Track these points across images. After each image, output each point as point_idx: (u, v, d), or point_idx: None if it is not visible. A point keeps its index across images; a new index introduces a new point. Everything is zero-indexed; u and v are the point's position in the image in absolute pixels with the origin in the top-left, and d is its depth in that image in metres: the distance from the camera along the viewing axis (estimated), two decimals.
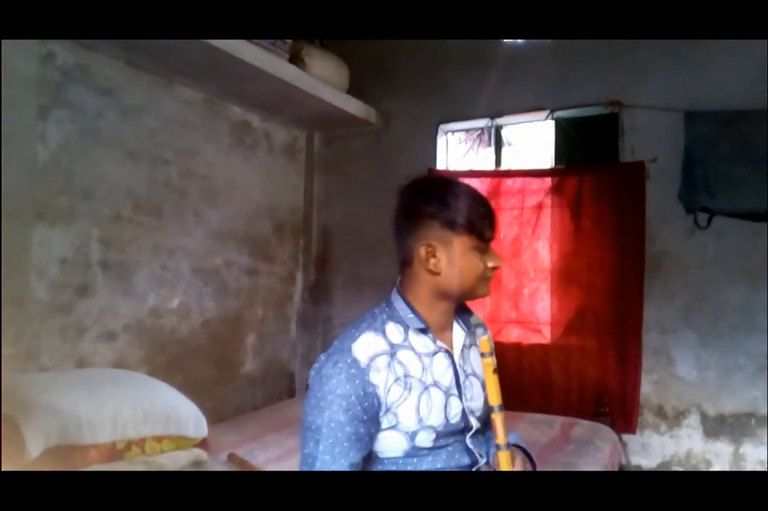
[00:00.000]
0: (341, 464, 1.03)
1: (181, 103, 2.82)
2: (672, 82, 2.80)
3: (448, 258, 1.10)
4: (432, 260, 1.10)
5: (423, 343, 1.14)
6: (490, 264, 1.12)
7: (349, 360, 1.06)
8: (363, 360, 1.06)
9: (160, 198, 2.71)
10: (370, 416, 1.05)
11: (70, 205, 2.33)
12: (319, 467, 1.03)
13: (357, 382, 1.04)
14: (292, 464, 2.12)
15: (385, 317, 1.14)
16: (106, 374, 2.15)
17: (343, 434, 1.03)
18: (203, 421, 2.01)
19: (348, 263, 3.55)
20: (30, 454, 1.54)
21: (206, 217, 2.95)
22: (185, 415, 1.96)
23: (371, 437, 1.07)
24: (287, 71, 2.81)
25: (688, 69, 2.76)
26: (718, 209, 2.68)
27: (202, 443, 2.02)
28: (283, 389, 3.49)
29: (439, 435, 1.10)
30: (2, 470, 0.90)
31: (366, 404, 1.05)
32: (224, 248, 3.07)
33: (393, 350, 1.09)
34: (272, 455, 2.25)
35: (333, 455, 1.03)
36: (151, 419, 1.85)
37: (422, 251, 1.10)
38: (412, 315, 1.13)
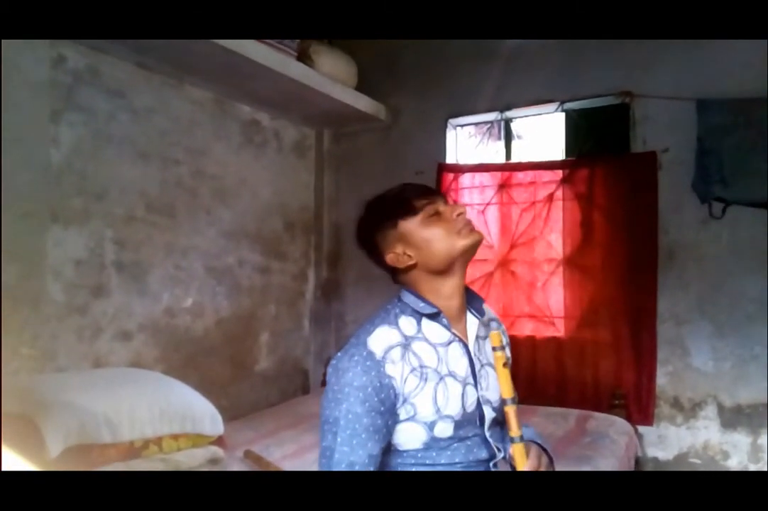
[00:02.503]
0: (359, 455, 1.04)
1: (190, 103, 2.83)
2: (683, 71, 2.77)
3: (411, 244, 1.15)
4: (404, 258, 1.15)
5: (437, 333, 1.15)
6: (453, 215, 1.15)
7: (364, 353, 1.07)
8: (378, 353, 1.07)
9: (172, 198, 2.73)
10: (387, 407, 1.06)
11: (84, 207, 2.35)
12: (337, 458, 1.04)
13: (373, 374, 1.05)
14: (307, 460, 2.13)
15: (398, 311, 1.16)
16: (122, 374, 2.17)
17: (360, 426, 1.04)
18: (219, 418, 2.03)
19: (359, 260, 3.50)
20: (50, 453, 1.56)
21: (218, 217, 2.97)
22: (201, 413, 1.98)
23: (389, 430, 1.08)
24: (296, 69, 2.82)
25: (699, 57, 2.72)
26: (733, 199, 2.65)
27: (219, 441, 2.04)
28: (297, 385, 3.51)
29: (458, 425, 1.10)
30: (20, 469, 0.92)
31: (383, 395, 1.05)
32: (236, 247, 3.08)
33: (407, 342, 1.11)
34: (288, 451, 2.26)
35: (351, 447, 1.03)
36: (167, 417, 1.87)
37: (393, 259, 1.17)
38: (422, 303, 1.15)
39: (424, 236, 1.13)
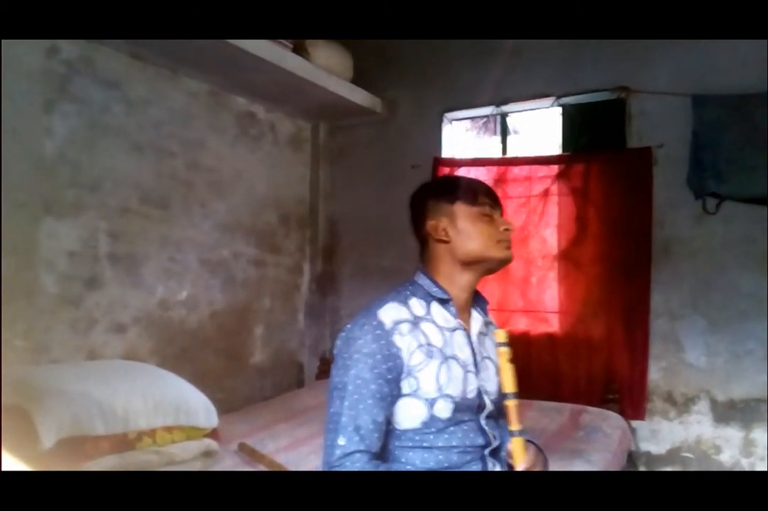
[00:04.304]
0: (365, 420, 1.07)
1: (186, 94, 2.81)
2: (679, 67, 2.77)
3: (455, 226, 1.21)
4: (441, 231, 1.21)
5: (444, 317, 1.20)
6: (502, 227, 1.22)
7: (374, 322, 1.12)
8: (388, 323, 1.12)
9: (167, 190, 2.71)
10: (393, 376, 1.11)
11: (78, 198, 2.34)
12: (344, 422, 1.07)
13: (382, 342, 1.10)
14: (302, 453, 2.14)
15: (408, 292, 1.21)
16: (116, 366, 2.16)
17: (368, 391, 1.08)
18: (213, 411, 2.03)
19: (355, 253, 3.55)
20: (43, 445, 1.56)
21: (213, 209, 2.96)
22: (195, 405, 1.98)
23: (393, 399, 1.12)
24: (291, 62, 2.80)
25: (695, 53, 2.72)
26: (728, 194, 2.65)
27: (213, 433, 2.03)
28: (292, 379, 3.51)
29: (457, 407, 1.14)
30: (15, 462, 0.91)
31: (390, 363, 1.10)
32: (231, 240, 3.07)
33: (416, 320, 1.16)
34: (282, 444, 2.26)
35: (357, 411, 1.07)
36: (161, 409, 1.87)
37: (431, 227, 1.22)
38: (436, 288, 1.21)
39: (469, 227, 1.20)
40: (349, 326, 1.16)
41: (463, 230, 1.20)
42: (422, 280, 1.23)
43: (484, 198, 1.23)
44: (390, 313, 1.14)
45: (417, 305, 1.19)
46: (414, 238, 1.31)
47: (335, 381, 1.11)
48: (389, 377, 1.10)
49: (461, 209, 1.21)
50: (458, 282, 1.22)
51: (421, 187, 1.31)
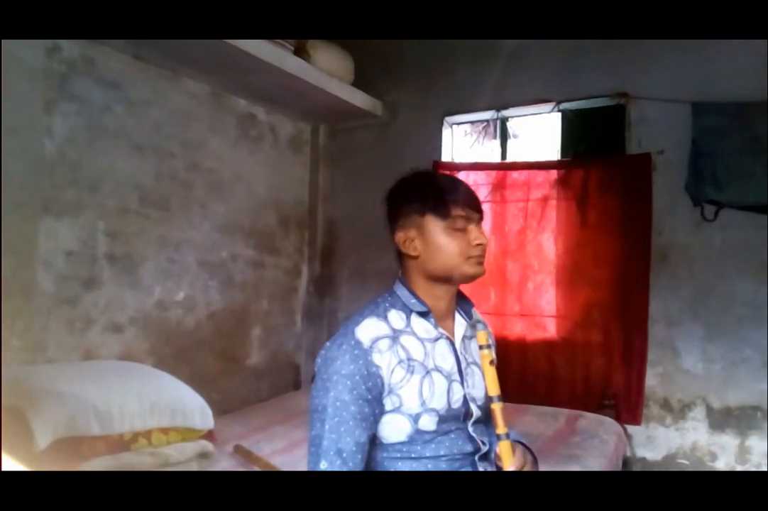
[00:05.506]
0: (347, 442, 1.05)
1: (186, 96, 2.82)
2: (680, 74, 2.78)
3: (423, 240, 1.15)
4: (410, 245, 1.16)
5: (424, 328, 1.17)
6: (474, 242, 1.14)
7: (352, 342, 1.09)
8: (366, 342, 1.09)
9: (167, 191, 2.71)
10: (374, 396, 1.08)
11: (77, 198, 2.34)
12: (326, 446, 1.05)
13: (361, 362, 1.07)
14: (297, 456, 2.13)
15: (387, 305, 1.18)
16: (113, 366, 2.16)
17: (348, 413, 1.06)
18: (209, 413, 2.02)
19: (353, 256, 3.55)
20: (38, 445, 1.56)
21: (212, 210, 2.96)
22: (191, 407, 1.98)
23: (376, 418, 1.09)
24: (292, 64, 2.81)
25: (695, 60, 2.73)
26: (726, 202, 2.66)
27: (208, 435, 2.03)
28: (288, 381, 3.51)
29: (442, 419, 1.12)
30: (9, 462, 0.91)
31: (370, 383, 1.07)
32: (230, 241, 3.07)
33: (395, 335, 1.13)
34: (278, 446, 2.26)
35: (339, 434, 1.05)
36: (157, 410, 1.87)
37: (400, 239, 1.18)
38: (414, 300, 1.17)
39: (438, 241, 1.15)
40: (328, 344, 1.13)
41: (432, 245, 1.14)
42: (401, 290, 1.19)
43: (457, 210, 1.14)
44: (368, 330, 1.11)
45: (396, 317, 1.15)
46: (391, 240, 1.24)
47: (315, 403, 1.08)
48: (369, 397, 1.07)
49: (431, 222, 1.14)
50: (434, 293, 1.18)
51: (398, 184, 1.23)
